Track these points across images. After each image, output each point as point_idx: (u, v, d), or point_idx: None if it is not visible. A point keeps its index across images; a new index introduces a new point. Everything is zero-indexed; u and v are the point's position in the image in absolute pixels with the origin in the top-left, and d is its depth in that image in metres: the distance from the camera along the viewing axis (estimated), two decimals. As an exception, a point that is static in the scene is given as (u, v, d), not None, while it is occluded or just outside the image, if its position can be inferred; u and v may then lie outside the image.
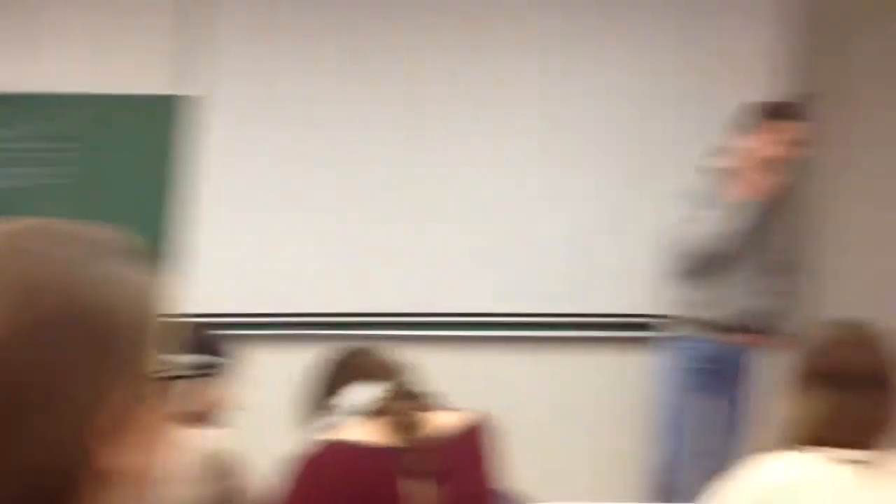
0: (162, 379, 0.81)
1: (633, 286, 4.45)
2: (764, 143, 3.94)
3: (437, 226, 4.59)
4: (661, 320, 4.17)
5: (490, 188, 4.60)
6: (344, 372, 2.12)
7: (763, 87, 4.38)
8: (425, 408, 2.04)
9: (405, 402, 2.01)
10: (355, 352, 2.18)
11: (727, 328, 4.00)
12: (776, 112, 3.97)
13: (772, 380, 3.73)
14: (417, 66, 4.61)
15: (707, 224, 3.95)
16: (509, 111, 4.61)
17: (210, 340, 2.51)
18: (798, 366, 2.08)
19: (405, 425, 1.97)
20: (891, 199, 4.71)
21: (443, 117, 4.60)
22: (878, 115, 4.66)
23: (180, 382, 0.84)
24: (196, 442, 2.23)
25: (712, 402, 4.08)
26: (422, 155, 4.61)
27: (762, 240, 4.01)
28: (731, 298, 4.00)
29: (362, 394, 2.04)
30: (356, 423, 2.02)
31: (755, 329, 4.03)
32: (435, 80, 4.61)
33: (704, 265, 3.99)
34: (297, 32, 4.66)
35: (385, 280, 4.57)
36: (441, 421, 2.03)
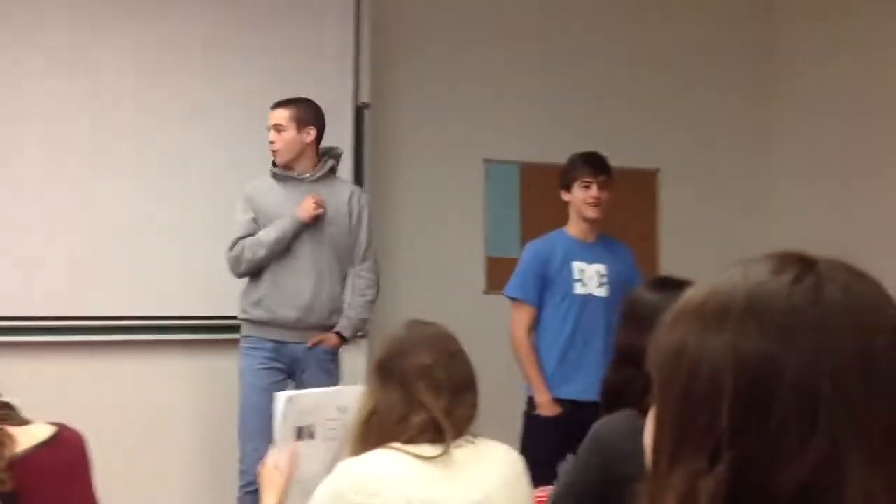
0: None
1: (212, 288, 4.41)
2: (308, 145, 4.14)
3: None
4: (234, 321, 4.21)
5: (46, 190, 4.34)
6: None
7: (337, 93, 4.60)
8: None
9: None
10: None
11: (290, 326, 4.10)
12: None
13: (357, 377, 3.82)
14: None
15: (267, 223, 4.05)
16: (56, 115, 4.38)
17: None
18: (371, 364, 2.10)
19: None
20: (434, 197, 5.15)
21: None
22: (422, 127, 5.11)
23: None
24: None
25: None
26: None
27: (322, 239, 4.10)
28: (293, 297, 4.07)
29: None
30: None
31: (319, 327, 4.14)
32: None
33: (264, 265, 4.06)
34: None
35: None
36: (18, 435, 1.84)
